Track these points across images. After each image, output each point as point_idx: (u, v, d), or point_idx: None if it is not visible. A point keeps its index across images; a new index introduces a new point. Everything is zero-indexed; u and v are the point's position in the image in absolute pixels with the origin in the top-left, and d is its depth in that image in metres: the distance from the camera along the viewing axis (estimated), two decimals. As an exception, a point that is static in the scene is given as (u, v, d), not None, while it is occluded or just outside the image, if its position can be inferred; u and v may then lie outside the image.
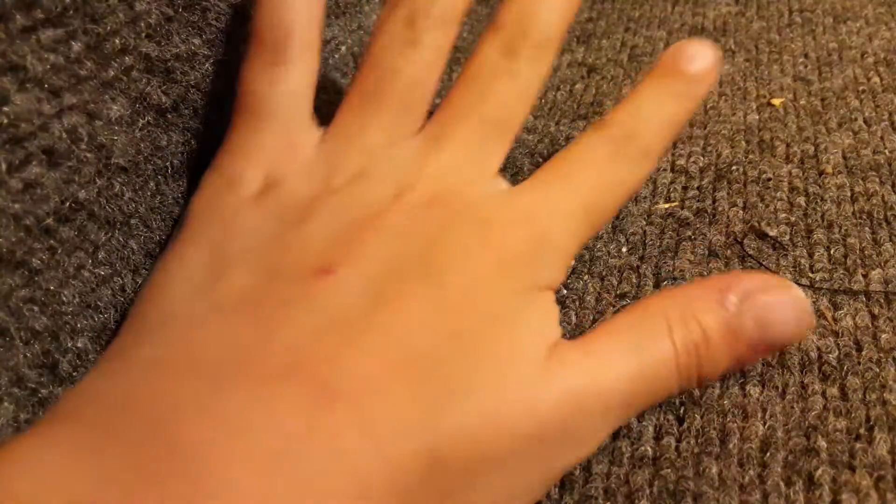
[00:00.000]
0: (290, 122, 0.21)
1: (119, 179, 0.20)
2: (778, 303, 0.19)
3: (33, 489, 0.13)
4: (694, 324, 0.18)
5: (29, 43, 0.16)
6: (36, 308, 0.18)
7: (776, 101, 0.33)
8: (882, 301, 0.23)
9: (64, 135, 0.17)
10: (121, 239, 0.20)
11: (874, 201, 0.27)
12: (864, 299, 0.23)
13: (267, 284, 0.17)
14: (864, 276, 0.24)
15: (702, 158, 0.30)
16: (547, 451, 0.17)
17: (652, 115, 0.21)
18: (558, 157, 0.21)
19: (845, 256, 0.25)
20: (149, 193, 0.21)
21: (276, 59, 0.21)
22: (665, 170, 0.29)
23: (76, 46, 0.17)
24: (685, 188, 0.28)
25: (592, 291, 0.24)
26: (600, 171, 0.20)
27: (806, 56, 0.36)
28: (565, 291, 0.24)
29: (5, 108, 0.16)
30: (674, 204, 0.27)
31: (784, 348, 0.20)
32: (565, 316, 0.23)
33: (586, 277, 0.25)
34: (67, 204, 0.18)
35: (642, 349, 0.18)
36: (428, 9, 0.21)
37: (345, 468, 0.15)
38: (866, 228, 0.26)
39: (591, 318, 0.23)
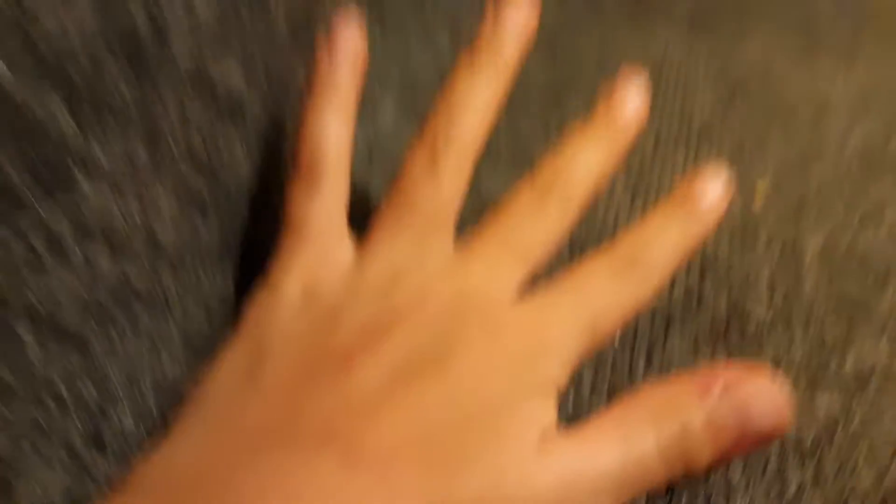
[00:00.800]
0: (327, 238, 0.23)
1: (165, 266, 0.22)
2: (757, 396, 0.20)
3: None
4: (675, 419, 0.20)
5: (99, 140, 0.19)
6: (88, 380, 0.20)
7: (757, 195, 0.35)
8: (856, 382, 0.25)
9: (123, 223, 0.20)
10: (163, 322, 0.23)
11: (851, 289, 0.29)
12: (839, 381, 0.25)
13: (301, 371, 0.20)
14: (840, 359, 0.26)
15: (689, 252, 0.32)
16: None
17: (658, 240, 0.23)
18: (568, 274, 0.23)
19: (822, 342, 0.27)
20: (189, 281, 0.24)
21: (311, 181, 0.24)
22: (655, 262, 0.31)
23: (139, 147, 0.20)
24: (673, 279, 0.31)
25: (587, 380, 0.26)
26: (604, 291, 0.22)
27: (786, 151, 0.39)
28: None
29: (75, 198, 0.18)
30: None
31: (769, 441, 0.21)
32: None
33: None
34: (121, 286, 0.20)
35: (627, 442, 0.20)
36: (448, 143, 0.24)
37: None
38: (842, 315, 0.28)
39: (587, 407, 0.25)
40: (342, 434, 0.18)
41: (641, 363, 0.27)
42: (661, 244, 0.23)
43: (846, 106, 0.42)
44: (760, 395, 0.20)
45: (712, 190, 0.23)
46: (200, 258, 0.24)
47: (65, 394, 0.19)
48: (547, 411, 0.20)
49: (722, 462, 0.21)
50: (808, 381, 0.25)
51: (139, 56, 0.19)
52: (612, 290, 0.22)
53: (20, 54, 0.15)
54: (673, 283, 0.30)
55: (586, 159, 0.24)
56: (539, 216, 0.23)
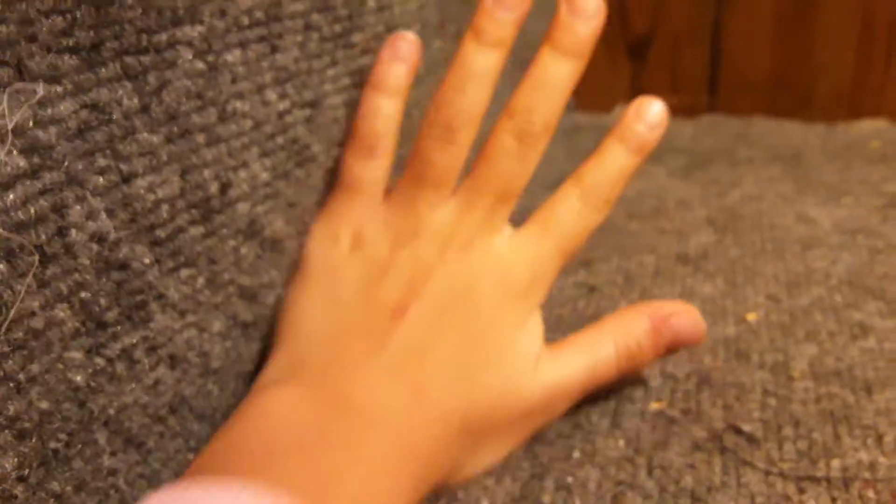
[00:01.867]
0: (372, 198, 0.30)
1: (212, 380, 0.25)
2: (686, 323, 0.31)
3: (285, 412, 0.25)
4: (633, 341, 0.30)
5: (172, 278, 0.22)
6: (145, 482, 0.23)
7: (750, 317, 0.38)
8: (840, 485, 0.27)
9: (183, 344, 0.23)
10: (208, 430, 0.25)
11: (835, 402, 0.31)
12: (825, 484, 0.27)
13: (371, 318, 0.28)
14: (826, 464, 0.28)
15: (687, 366, 0.35)
16: (531, 422, 0.30)
17: (611, 172, 0.30)
18: (547, 209, 0.30)
19: (810, 448, 0.29)
20: (230, 393, 0.27)
21: (368, 153, 0.30)
22: (656, 375, 0.34)
23: (200, 281, 0.23)
24: (673, 391, 0.33)
25: (594, 480, 0.28)
26: (576, 221, 0.30)
27: (777, 278, 0.42)
28: (571, 480, 0.28)
29: (151, 325, 0.22)
30: (663, 404, 0.32)
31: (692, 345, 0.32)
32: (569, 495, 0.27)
33: (588, 467, 0.29)
34: (177, 399, 0.23)
35: (595, 359, 0.30)
36: (460, 114, 0.29)
37: (428, 424, 0.26)
38: (828, 425, 0.30)
39: (593, 501, 0.27)
40: (406, 372, 0.27)
41: (643, 470, 0.29)
42: (614, 175, 0.30)
43: (832, 241, 0.45)
44: (688, 322, 0.31)
45: (653, 115, 0.31)
46: (242, 373, 0.27)
47: (125, 492, 0.22)
48: (538, 326, 0.30)
49: (656, 359, 0.32)
50: (796, 484, 0.27)
51: (208, 211, 0.23)
52: (580, 218, 0.30)
53: (120, 210, 0.19)
54: (673, 395, 0.33)
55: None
56: (520, 158, 0.30)
